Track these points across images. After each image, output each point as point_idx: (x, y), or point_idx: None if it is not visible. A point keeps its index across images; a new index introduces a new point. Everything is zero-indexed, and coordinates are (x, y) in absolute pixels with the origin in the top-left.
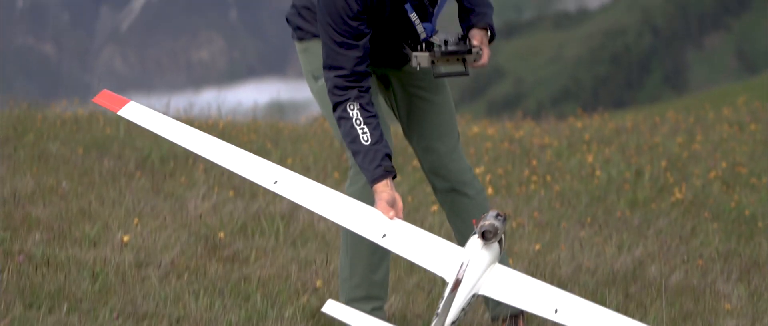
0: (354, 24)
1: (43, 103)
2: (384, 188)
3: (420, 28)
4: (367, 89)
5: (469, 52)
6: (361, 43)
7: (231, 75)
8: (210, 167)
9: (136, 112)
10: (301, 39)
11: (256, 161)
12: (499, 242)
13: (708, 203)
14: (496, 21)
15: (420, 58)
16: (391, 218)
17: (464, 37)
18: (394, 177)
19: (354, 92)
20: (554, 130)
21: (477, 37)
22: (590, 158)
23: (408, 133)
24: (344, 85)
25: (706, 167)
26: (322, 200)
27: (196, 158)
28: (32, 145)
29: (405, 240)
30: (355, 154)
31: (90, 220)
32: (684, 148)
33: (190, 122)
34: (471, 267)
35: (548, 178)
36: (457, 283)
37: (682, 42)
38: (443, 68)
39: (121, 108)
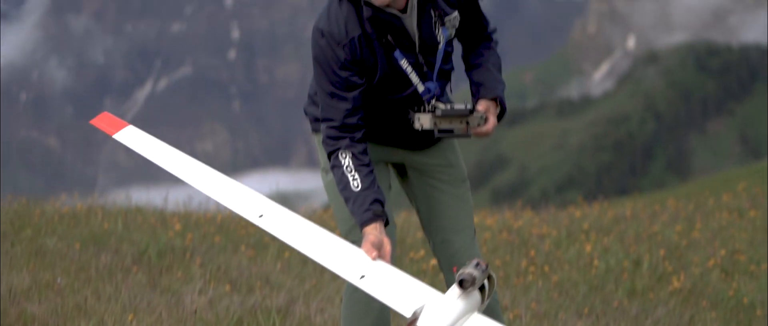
0: (343, 74)
1: (42, 197)
2: (371, 231)
3: (414, 78)
4: (360, 140)
5: (471, 112)
6: (350, 94)
7: (235, 166)
8: (207, 260)
9: (132, 137)
10: (315, 131)
11: (244, 192)
12: (482, 290)
13: (706, 292)
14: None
15: (422, 119)
16: (373, 259)
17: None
18: (387, 224)
19: (345, 141)
20: (553, 219)
21: (483, 104)
22: (589, 248)
23: (426, 225)
24: (336, 135)
25: (705, 255)
26: (305, 237)
27: (194, 251)
28: (30, 240)
29: (384, 283)
30: (346, 200)
31: (86, 316)
32: (683, 236)
33: (188, 215)
34: (435, 312)
35: (546, 268)
36: (411, 323)
37: (685, 128)
38: (445, 128)
39: (117, 132)
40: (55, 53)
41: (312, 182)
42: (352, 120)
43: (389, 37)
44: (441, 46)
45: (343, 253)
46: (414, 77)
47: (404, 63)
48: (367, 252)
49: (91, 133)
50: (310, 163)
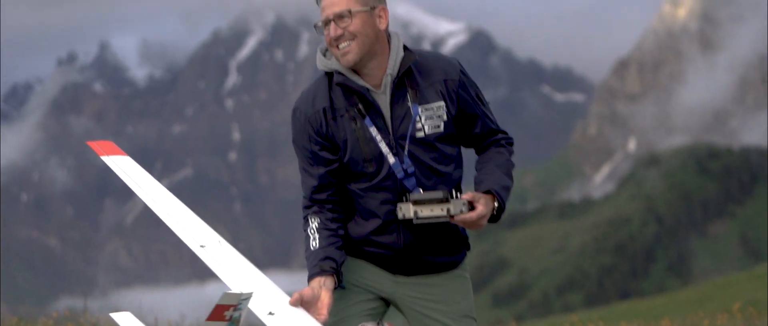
0: (313, 148)
1: (36, 311)
2: (313, 284)
3: (383, 147)
4: (331, 209)
5: (446, 200)
6: (318, 171)
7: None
8: None
9: (124, 166)
10: None
11: (196, 223)
12: None
13: None
14: None
15: (403, 208)
16: (291, 302)
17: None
18: (339, 283)
19: (315, 208)
20: None
21: (469, 194)
22: None
23: None
24: (307, 204)
25: None
26: (238, 274)
27: None
28: None
29: (288, 323)
30: (306, 259)
31: None
32: None
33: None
34: None
35: None
36: None
37: (687, 230)
38: (425, 215)
39: (108, 155)
40: (56, 154)
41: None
42: (321, 196)
43: (359, 106)
44: (410, 129)
45: (262, 289)
46: (383, 146)
47: (373, 130)
48: (293, 295)
49: (92, 233)
50: None
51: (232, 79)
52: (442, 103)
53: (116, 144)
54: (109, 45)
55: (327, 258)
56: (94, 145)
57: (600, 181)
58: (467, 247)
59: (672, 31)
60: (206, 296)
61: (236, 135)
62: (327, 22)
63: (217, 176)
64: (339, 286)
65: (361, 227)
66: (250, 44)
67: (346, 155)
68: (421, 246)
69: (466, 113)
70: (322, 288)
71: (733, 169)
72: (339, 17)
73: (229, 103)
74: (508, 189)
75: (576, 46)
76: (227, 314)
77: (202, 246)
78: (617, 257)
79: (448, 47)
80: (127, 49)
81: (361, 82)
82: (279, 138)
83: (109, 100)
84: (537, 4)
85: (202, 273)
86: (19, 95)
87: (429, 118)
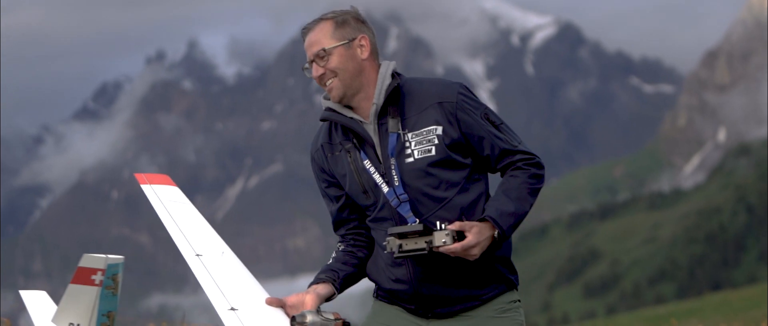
0: (321, 185)
1: (128, 308)
2: (310, 289)
3: (377, 178)
4: (351, 242)
5: (428, 231)
6: (332, 208)
7: (327, 262)
8: None
9: (166, 197)
10: None
11: (203, 235)
12: None
13: None
14: (591, 203)
15: (391, 243)
16: (266, 301)
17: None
18: (338, 291)
19: (338, 241)
20: None
21: (457, 223)
22: None
23: None
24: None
25: None
26: (227, 278)
27: None
28: None
29: (249, 322)
30: None
31: None
32: None
33: None
34: None
35: None
36: None
37: None
38: (408, 249)
39: (151, 184)
40: (146, 151)
41: None
42: (341, 231)
43: (354, 140)
44: (397, 157)
45: (239, 290)
46: (376, 177)
47: (367, 162)
48: (273, 296)
49: None
50: None
51: None
52: (436, 127)
53: (172, 179)
54: (198, 43)
55: (329, 269)
56: (141, 177)
57: (690, 171)
58: (505, 283)
59: (761, 21)
60: (296, 290)
61: None
62: (312, 62)
63: (306, 171)
64: (337, 293)
65: (381, 261)
66: None
67: (346, 188)
68: (436, 280)
69: (473, 135)
70: (310, 292)
71: None
72: (318, 56)
73: (318, 99)
74: (513, 214)
75: (665, 38)
76: (95, 278)
77: (197, 255)
78: (708, 247)
79: (536, 40)
80: (215, 46)
81: (349, 115)
82: None
83: (198, 97)
84: None
85: (292, 268)
86: (108, 94)
87: (419, 143)
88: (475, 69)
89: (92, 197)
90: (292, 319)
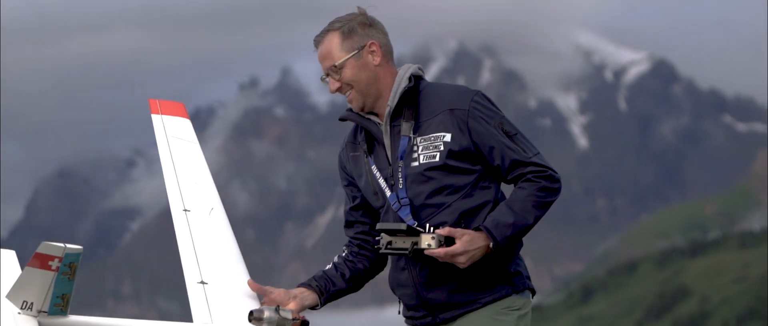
0: (342, 181)
1: None
2: (295, 291)
3: (381, 183)
4: (357, 245)
5: (414, 232)
6: (346, 206)
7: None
8: None
9: (178, 130)
10: None
11: (197, 186)
12: None
13: None
14: (681, 240)
15: (383, 238)
16: (248, 283)
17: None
18: (321, 304)
19: (349, 238)
20: None
21: (447, 229)
22: None
23: None
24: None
25: None
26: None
27: None
28: None
29: (217, 295)
30: None
31: None
32: None
33: None
34: None
35: None
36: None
37: None
38: (394, 247)
39: (164, 114)
40: (237, 177)
41: None
42: (350, 232)
43: (364, 144)
44: (404, 160)
45: (216, 261)
46: (381, 182)
47: (374, 169)
48: (258, 286)
49: (273, 256)
50: None
51: None
52: (444, 134)
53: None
54: (291, 70)
55: (324, 278)
56: (155, 103)
57: None
58: (511, 286)
59: None
60: (384, 320)
61: None
62: (328, 74)
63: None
64: (320, 307)
65: (393, 268)
66: (433, 71)
67: (362, 188)
68: (437, 284)
69: (483, 144)
70: (297, 298)
71: None
72: (332, 70)
73: None
74: (511, 226)
75: (759, 76)
76: (52, 264)
77: (202, 282)
78: None
79: (630, 76)
80: (309, 74)
81: (367, 116)
82: None
83: (290, 124)
84: (719, 33)
85: (381, 297)
86: (201, 118)
87: (426, 148)
88: (568, 103)
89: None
90: (250, 314)
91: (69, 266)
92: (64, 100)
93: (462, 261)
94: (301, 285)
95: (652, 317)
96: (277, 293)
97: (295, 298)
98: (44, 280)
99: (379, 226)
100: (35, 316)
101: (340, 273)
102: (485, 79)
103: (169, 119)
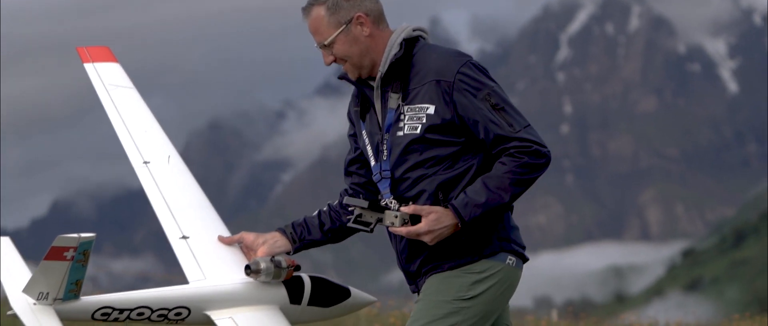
0: (349, 126)
1: (368, 282)
2: (268, 236)
3: (368, 151)
4: (349, 193)
5: (377, 208)
6: (348, 154)
7: (567, 240)
8: None
9: (105, 73)
10: None
11: (149, 135)
12: (297, 287)
13: None
14: None
15: (355, 212)
16: (223, 239)
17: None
18: (295, 248)
19: (347, 185)
20: None
21: (412, 207)
22: None
23: None
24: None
25: None
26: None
27: None
28: None
29: (198, 250)
30: None
31: None
32: None
33: None
34: (207, 287)
35: None
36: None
37: None
38: (361, 221)
39: (91, 61)
40: None
41: (646, 256)
42: (347, 181)
43: (358, 107)
44: (390, 129)
45: (190, 213)
46: (368, 150)
47: (365, 134)
48: (230, 236)
49: None
50: (645, 237)
51: (563, 53)
52: (429, 106)
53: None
54: (440, 20)
55: (302, 224)
56: (83, 52)
57: None
58: (478, 254)
59: None
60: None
61: (568, 108)
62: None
63: (550, 148)
64: (291, 254)
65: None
66: (581, 18)
67: (360, 144)
68: (414, 253)
69: (468, 118)
70: (268, 242)
71: None
72: (323, 46)
73: (561, 76)
74: (482, 205)
75: None
76: (67, 254)
77: (145, 163)
78: None
79: None
80: (457, 24)
81: (361, 81)
82: (610, 111)
83: None
84: None
85: (534, 244)
86: None
87: (411, 119)
88: (717, 48)
89: (334, 172)
90: (247, 267)
91: (83, 253)
92: (214, 52)
93: (427, 240)
94: (279, 229)
95: None
96: (248, 238)
97: (265, 244)
98: (60, 270)
99: (345, 200)
100: (51, 304)
101: (321, 222)
102: (634, 25)
103: (101, 66)
